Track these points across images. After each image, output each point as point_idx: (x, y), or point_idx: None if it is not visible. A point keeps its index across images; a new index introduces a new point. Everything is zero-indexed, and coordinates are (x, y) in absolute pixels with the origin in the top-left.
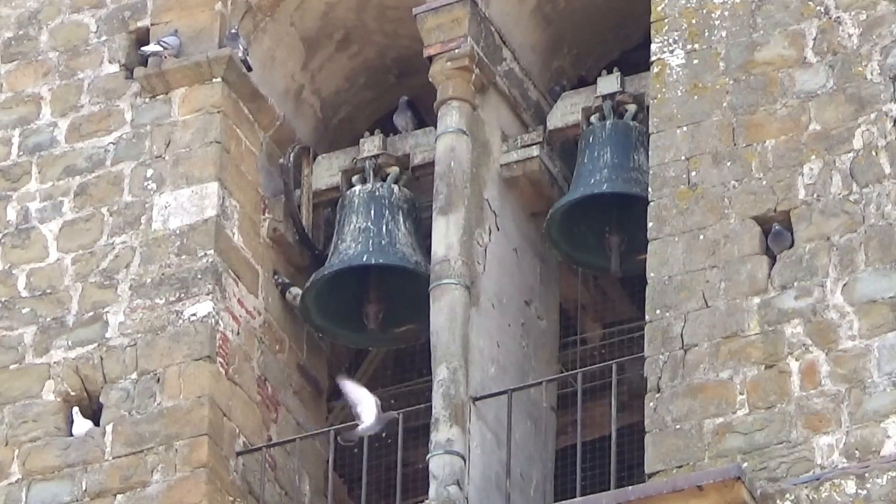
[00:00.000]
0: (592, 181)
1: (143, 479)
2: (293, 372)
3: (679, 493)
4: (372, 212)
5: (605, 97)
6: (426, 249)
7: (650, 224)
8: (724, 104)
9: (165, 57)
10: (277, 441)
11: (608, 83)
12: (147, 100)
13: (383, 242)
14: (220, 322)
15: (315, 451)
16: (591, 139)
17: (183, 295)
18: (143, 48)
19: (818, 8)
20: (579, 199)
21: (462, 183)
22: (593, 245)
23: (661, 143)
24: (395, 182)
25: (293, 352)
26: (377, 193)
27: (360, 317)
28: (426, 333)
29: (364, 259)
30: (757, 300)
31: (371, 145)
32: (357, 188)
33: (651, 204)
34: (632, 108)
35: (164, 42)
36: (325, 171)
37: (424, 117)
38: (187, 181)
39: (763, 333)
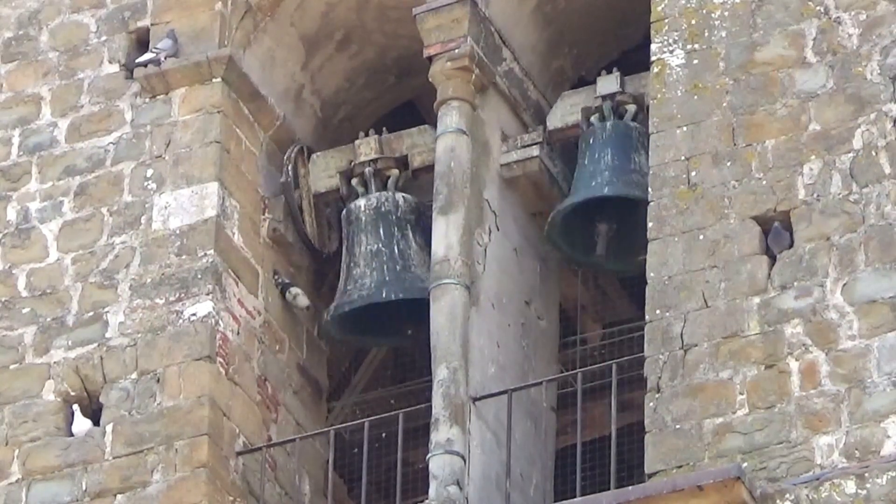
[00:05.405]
0: (594, 183)
1: (143, 479)
2: (293, 372)
3: (679, 493)
4: (381, 231)
5: (604, 97)
6: None
7: (650, 224)
8: (724, 104)
9: (164, 59)
10: (277, 441)
11: (608, 83)
12: (147, 100)
13: (398, 268)
14: (220, 322)
15: (315, 451)
16: (591, 140)
17: (183, 295)
18: (138, 59)
19: (818, 8)
20: (581, 203)
21: (462, 183)
22: (593, 245)
23: (661, 143)
24: (396, 185)
25: (293, 352)
26: (383, 209)
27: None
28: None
29: (384, 295)
30: (757, 300)
31: (367, 148)
32: (362, 203)
33: (651, 204)
34: (632, 108)
35: (157, 48)
36: (323, 172)
37: (425, 117)
38: (187, 181)
39: (763, 333)
